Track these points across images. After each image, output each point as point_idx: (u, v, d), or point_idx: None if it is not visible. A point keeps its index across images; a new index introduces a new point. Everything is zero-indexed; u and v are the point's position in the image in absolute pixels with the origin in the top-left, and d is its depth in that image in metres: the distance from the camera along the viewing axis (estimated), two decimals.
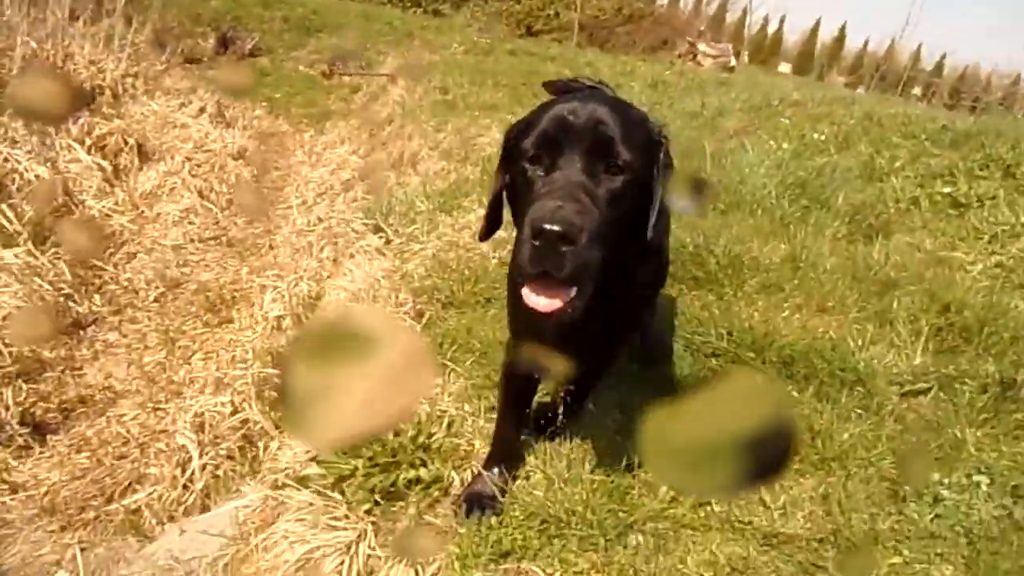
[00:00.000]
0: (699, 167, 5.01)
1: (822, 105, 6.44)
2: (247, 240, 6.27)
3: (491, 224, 1.93)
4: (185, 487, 3.33)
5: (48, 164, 5.85)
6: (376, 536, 2.05)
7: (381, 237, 4.24)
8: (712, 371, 2.99)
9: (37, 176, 5.64)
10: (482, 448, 2.35)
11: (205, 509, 3.27)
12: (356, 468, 2.14)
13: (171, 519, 3.23)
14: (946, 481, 2.36)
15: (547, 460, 2.26)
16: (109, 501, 3.34)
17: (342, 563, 1.97)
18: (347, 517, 2.07)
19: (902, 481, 2.38)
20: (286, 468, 2.50)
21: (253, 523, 2.54)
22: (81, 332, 4.64)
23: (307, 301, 4.54)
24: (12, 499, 3.30)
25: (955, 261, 3.79)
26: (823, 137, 5.55)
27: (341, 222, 5.52)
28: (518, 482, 2.19)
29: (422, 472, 2.15)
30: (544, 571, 1.88)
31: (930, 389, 2.85)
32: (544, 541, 1.96)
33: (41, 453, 3.59)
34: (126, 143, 6.85)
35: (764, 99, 6.78)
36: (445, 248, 3.85)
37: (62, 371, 4.16)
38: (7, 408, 3.62)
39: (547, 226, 1.43)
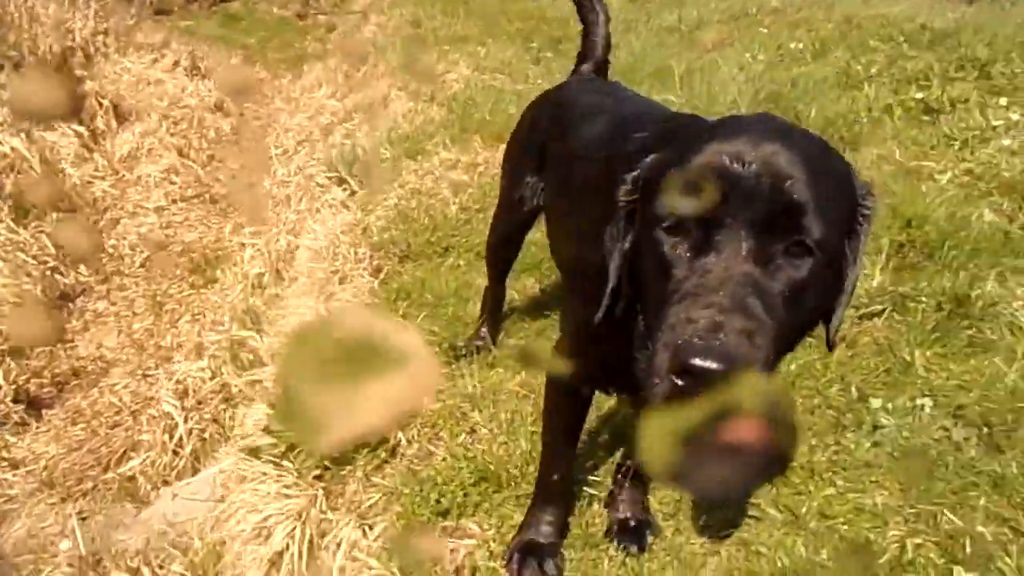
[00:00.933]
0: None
1: (801, 10, 6.17)
2: (230, 196, 6.26)
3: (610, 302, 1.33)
4: (175, 452, 3.44)
5: (22, 135, 5.83)
6: (327, 500, 2.14)
7: (345, 189, 4.22)
8: None
9: (12, 149, 5.63)
10: (429, 407, 2.40)
11: (196, 472, 3.40)
12: None
13: (166, 483, 3.36)
14: (889, 407, 2.38)
15: (492, 416, 2.32)
16: (106, 470, 3.46)
17: (294, 529, 2.07)
18: (297, 484, 2.16)
19: (845, 410, 2.41)
20: (250, 435, 2.59)
21: (229, 488, 2.67)
22: (70, 304, 4.72)
23: (285, 256, 4.56)
24: (13, 475, 3.44)
25: (924, 171, 3.69)
26: (800, 45, 5.35)
27: (320, 172, 5.47)
28: (461, 438, 2.25)
29: None
30: (481, 527, 1.96)
31: (884, 310, 2.83)
32: (483, 497, 2.03)
33: (38, 428, 3.71)
34: (101, 105, 6.79)
35: (743, 7, 6.51)
36: (407, 196, 3.83)
37: (53, 345, 4.25)
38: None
39: (699, 362, 0.95)
